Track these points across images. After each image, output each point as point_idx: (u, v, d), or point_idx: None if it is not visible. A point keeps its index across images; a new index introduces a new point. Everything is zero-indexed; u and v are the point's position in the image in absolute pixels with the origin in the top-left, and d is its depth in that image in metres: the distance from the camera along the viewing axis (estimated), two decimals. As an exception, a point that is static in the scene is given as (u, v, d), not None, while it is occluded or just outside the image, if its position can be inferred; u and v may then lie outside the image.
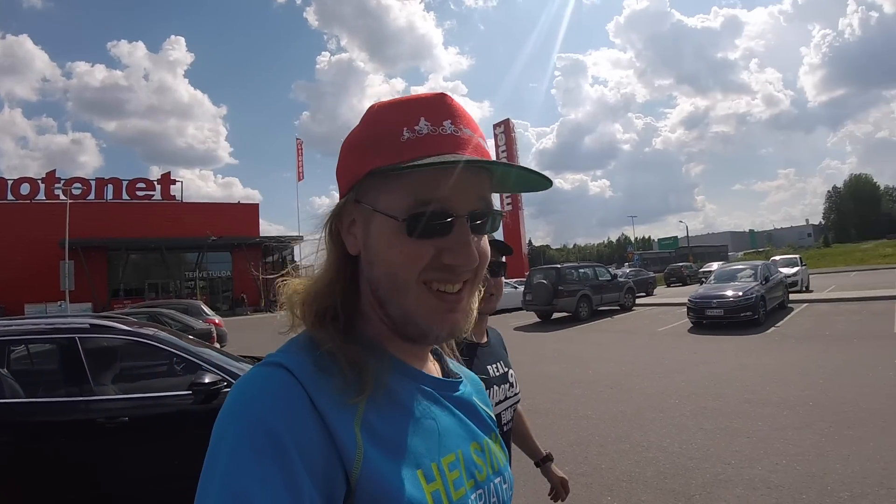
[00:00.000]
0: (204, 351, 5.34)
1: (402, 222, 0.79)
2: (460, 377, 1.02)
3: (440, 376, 0.97)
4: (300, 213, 67.13)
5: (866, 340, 12.64)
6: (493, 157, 0.86)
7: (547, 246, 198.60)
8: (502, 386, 2.10)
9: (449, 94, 0.86)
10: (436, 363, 1.01)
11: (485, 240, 0.87)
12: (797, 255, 32.93)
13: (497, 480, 0.94)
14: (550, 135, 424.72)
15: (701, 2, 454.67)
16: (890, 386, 8.44)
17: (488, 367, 2.07)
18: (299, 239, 47.37)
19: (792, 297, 21.81)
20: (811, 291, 26.57)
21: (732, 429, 6.90)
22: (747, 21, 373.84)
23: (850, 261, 59.47)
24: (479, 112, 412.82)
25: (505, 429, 2.08)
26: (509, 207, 56.56)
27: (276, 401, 0.71)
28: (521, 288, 25.29)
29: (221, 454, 0.67)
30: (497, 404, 2.03)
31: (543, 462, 2.46)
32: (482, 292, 1.08)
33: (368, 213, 0.83)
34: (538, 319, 23.14)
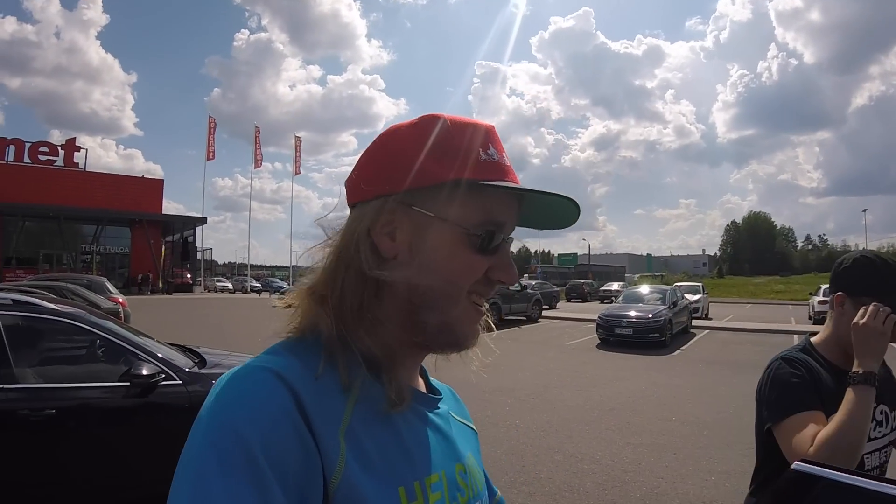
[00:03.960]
0: (136, 337, 4.94)
1: (471, 236, 0.83)
2: (440, 393, 1.02)
3: (424, 391, 0.98)
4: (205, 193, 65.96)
5: (769, 371, 12.98)
6: None
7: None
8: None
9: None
10: (419, 377, 1.01)
11: None
12: (700, 283, 33.95)
13: None
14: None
15: (626, 28, 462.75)
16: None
17: None
18: (202, 220, 46.86)
19: (693, 322, 22.41)
20: (710, 319, 27.53)
21: (658, 445, 7.09)
22: (669, 53, 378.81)
23: (742, 293, 61.97)
24: (395, 109, 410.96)
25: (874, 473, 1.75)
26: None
27: (252, 407, 0.69)
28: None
29: (191, 463, 0.65)
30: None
31: None
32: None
33: (424, 219, 0.84)
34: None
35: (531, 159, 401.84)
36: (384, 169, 0.86)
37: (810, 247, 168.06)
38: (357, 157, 0.93)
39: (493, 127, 0.90)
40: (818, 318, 25.21)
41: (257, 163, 64.72)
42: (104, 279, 18.52)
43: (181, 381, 4.51)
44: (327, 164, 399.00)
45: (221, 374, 3.35)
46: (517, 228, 0.92)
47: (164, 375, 4.40)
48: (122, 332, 4.87)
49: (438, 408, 0.96)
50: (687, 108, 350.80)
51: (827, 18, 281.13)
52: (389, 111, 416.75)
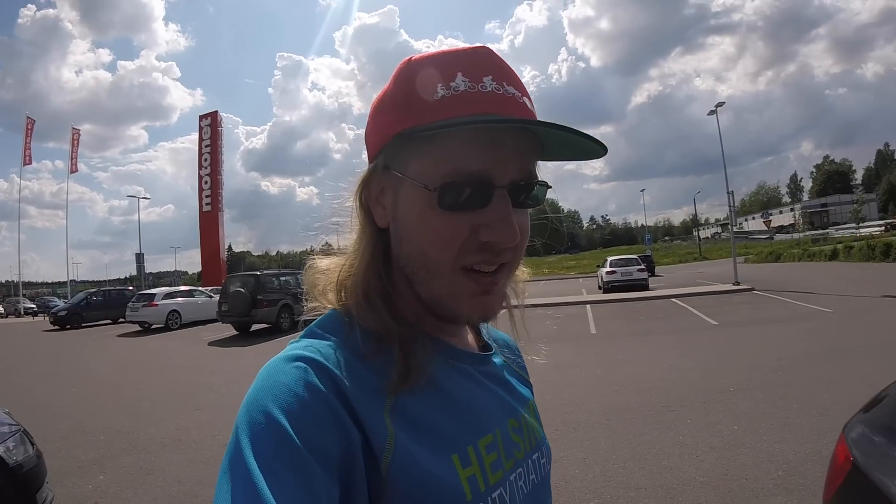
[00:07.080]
0: None
1: (434, 192, 0.71)
2: (492, 348, 0.94)
3: (475, 347, 0.92)
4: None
5: (568, 341, 13.07)
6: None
7: (248, 252, 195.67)
8: None
9: (492, 48, 0.77)
10: (471, 332, 0.94)
11: (527, 215, 0.79)
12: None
13: (535, 456, 0.88)
14: (261, 135, 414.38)
15: (429, 28, 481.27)
16: (601, 383, 8.61)
17: None
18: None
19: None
20: (507, 299, 28.11)
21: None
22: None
23: (537, 273, 65.53)
24: (190, 100, 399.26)
25: None
26: (208, 208, 53.39)
27: (291, 394, 0.65)
28: (217, 297, 23.04)
29: (236, 453, 0.62)
30: None
31: None
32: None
33: (398, 181, 0.75)
34: (236, 332, 20.76)
35: (333, 154, 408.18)
36: (369, 133, 0.81)
37: (595, 226, 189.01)
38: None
39: (478, 47, 0.75)
40: (607, 287, 28.71)
41: (27, 160, 56.94)
42: None
43: None
44: (114, 162, 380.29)
45: None
46: None
47: None
48: None
49: (488, 364, 0.89)
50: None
51: (615, 27, 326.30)
52: (185, 102, 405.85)
